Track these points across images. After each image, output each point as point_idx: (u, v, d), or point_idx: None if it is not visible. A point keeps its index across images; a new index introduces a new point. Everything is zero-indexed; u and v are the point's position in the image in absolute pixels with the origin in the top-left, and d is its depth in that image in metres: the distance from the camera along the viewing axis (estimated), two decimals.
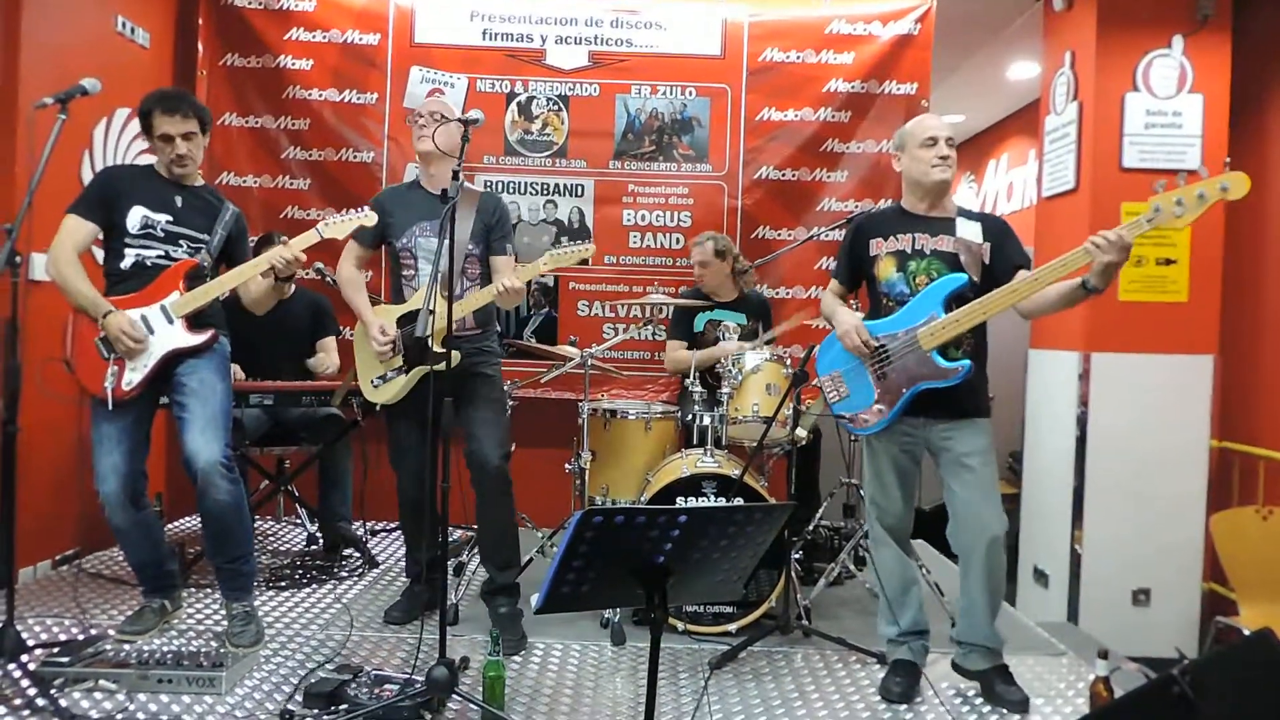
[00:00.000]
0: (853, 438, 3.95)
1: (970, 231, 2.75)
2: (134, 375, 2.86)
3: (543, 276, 4.55)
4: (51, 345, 3.01)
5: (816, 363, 2.93)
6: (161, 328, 2.88)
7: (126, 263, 2.91)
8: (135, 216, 2.90)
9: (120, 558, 3.84)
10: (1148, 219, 2.43)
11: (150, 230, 2.92)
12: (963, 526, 2.74)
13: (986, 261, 2.74)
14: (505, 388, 3.41)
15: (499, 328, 3.43)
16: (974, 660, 2.80)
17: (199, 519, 2.93)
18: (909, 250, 2.76)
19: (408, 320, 3.10)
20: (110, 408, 2.84)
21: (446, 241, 2.66)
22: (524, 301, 4.58)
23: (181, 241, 2.96)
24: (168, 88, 3.01)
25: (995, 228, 2.80)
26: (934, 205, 2.80)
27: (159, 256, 2.93)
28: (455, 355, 3.07)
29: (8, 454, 2.63)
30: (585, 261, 3.27)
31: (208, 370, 2.93)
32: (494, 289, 3.06)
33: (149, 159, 3.07)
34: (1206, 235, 4.01)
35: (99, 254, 3.38)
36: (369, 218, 3.06)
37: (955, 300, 2.67)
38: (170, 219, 2.94)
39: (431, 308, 2.63)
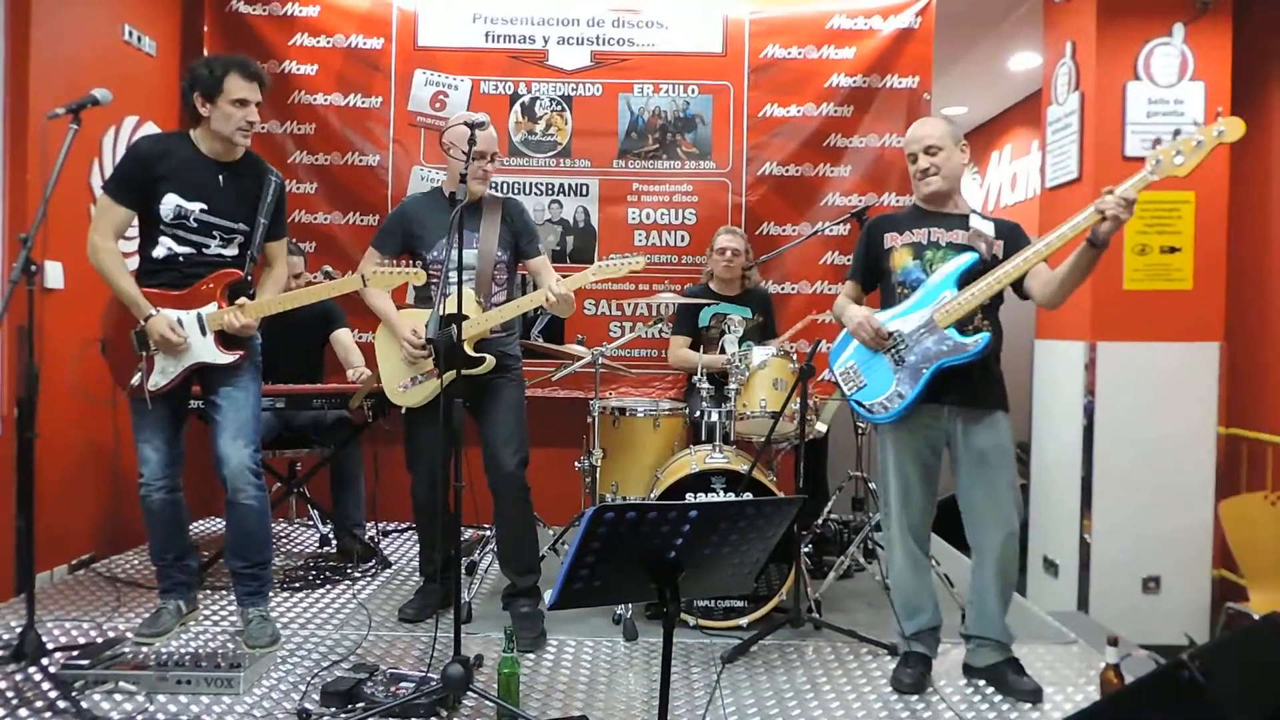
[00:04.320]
0: (861, 431, 3.97)
1: (984, 225, 2.77)
2: (160, 379, 2.88)
3: None
4: (83, 348, 3.06)
5: (830, 359, 2.92)
6: (195, 337, 2.88)
7: (160, 252, 2.88)
8: (169, 205, 2.84)
9: (136, 561, 3.89)
10: (1150, 171, 2.45)
11: (183, 220, 2.86)
12: (980, 521, 2.75)
13: (1000, 256, 2.73)
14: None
15: (518, 330, 3.44)
16: (984, 655, 2.81)
17: (213, 522, 2.97)
18: (925, 242, 2.78)
19: (442, 323, 3.09)
20: (138, 403, 2.89)
21: (455, 243, 2.70)
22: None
23: (215, 233, 2.90)
24: (235, 55, 2.91)
25: (1008, 229, 2.81)
26: (944, 205, 2.83)
27: (191, 254, 2.89)
28: (490, 360, 3.10)
29: (26, 460, 2.67)
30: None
31: (242, 374, 2.95)
32: (543, 295, 3.06)
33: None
34: (1210, 222, 4.02)
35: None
36: (418, 275, 3.00)
37: (967, 279, 2.68)
38: (204, 207, 2.86)
39: (465, 314, 2.65)
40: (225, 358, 2.91)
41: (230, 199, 2.91)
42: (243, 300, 2.90)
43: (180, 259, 2.89)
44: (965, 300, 2.65)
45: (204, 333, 2.89)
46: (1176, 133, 2.49)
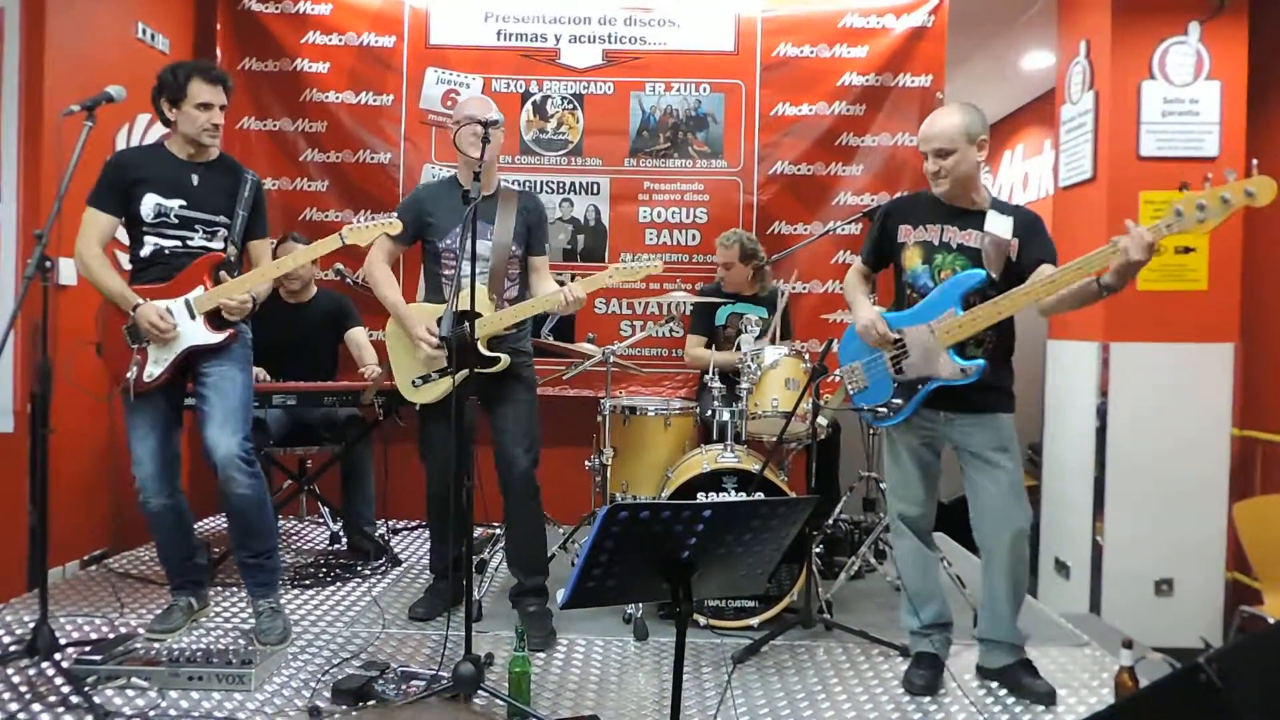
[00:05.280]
0: (872, 431, 3.96)
1: (1000, 226, 2.67)
2: (155, 369, 2.90)
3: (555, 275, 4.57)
4: (80, 348, 3.07)
5: (839, 353, 2.94)
6: (184, 322, 2.91)
7: (146, 251, 2.93)
8: (148, 205, 2.90)
9: (147, 557, 3.90)
10: (1166, 224, 2.34)
11: (164, 218, 2.92)
12: (986, 521, 2.73)
13: (1014, 258, 2.66)
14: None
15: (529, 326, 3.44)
16: (996, 657, 2.79)
17: (222, 519, 2.97)
18: (936, 243, 2.72)
19: (455, 320, 3.08)
20: (133, 398, 2.89)
21: (469, 240, 2.71)
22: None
23: (197, 227, 2.95)
24: (198, 60, 3.01)
25: (1026, 223, 2.71)
26: (961, 199, 2.74)
27: (176, 246, 2.94)
28: (505, 359, 3.10)
29: (41, 455, 2.68)
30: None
31: (228, 363, 2.97)
32: (557, 298, 3.09)
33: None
34: (1225, 222, 3.97)
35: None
36: (394, 225, 3.07)
37: (974, 296, 2.64)
38: (184, 203, 2.93)
39: (478, 311, 2.67)
40: (215, 337, 2.93)
41: (207, 194, 2.97)
42: (223, 276, 2.94)
43: (166, 252, 2.93)
44: (967, 323, 2.61)
45: (193, 317, 2.91)
46: (1206, 179, 2.39)
